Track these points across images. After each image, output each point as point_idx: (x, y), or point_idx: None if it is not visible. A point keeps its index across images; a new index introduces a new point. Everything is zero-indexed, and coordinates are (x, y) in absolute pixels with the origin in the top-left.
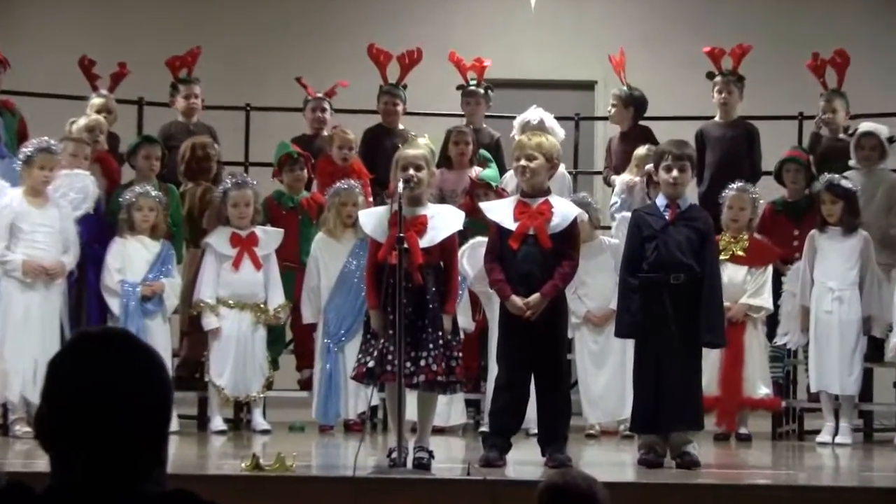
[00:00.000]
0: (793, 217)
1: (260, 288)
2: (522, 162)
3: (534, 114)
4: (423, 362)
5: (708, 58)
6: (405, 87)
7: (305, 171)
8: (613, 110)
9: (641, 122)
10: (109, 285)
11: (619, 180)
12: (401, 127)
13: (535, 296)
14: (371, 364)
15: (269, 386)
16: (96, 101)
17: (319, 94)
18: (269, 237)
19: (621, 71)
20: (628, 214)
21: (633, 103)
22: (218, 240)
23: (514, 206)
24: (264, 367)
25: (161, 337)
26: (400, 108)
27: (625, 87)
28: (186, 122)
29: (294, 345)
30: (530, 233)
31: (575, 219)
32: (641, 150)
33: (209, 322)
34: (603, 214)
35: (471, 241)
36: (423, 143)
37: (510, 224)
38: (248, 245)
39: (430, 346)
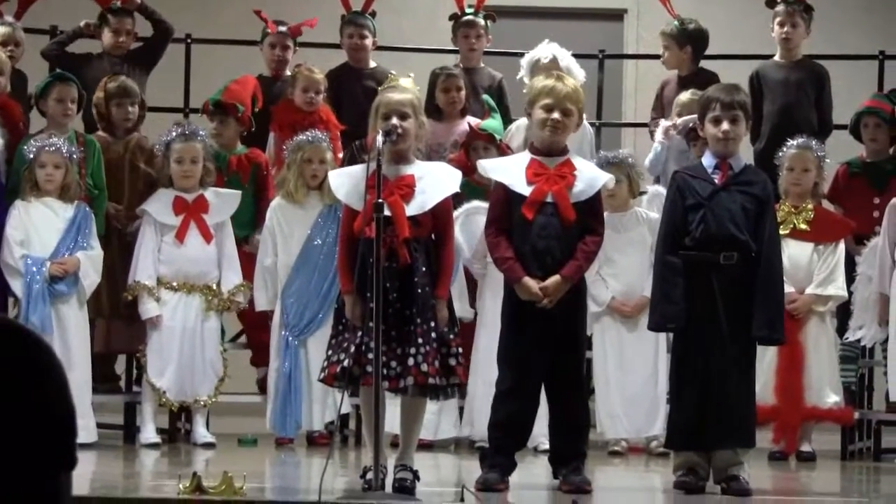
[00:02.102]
0: (873, 182)
1: (211, 265)
2: (555, 115)
3: (545, 50)
4: (411, 360)
5: None
6: (373, 15)
7: (235, 123)
8: (667, 53)
9: (703, 67)
10: (10, 263)
11: (659, 128)
12: (372, 65)
13: (555, 278)
14: (347, 363)
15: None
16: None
17: (282, 29)
18: (223, 201)
19: (666, 1)
20: (662, 190)
21: (690, 40)
22: (158, 206)
23: (527, 166)
24: (217, 364)
25: (76, 326)
26: (369, 41)
27: (675, 22)
28: (103, 61)
29: (247, 336)
30: (548, 200)
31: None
32: (684, 96)
33: (147, 309)
34: (644, 179)
35: (465, 207)
36: (405, 83)
37: (523, 188)
38: (196, 212)
39: (421, 340)
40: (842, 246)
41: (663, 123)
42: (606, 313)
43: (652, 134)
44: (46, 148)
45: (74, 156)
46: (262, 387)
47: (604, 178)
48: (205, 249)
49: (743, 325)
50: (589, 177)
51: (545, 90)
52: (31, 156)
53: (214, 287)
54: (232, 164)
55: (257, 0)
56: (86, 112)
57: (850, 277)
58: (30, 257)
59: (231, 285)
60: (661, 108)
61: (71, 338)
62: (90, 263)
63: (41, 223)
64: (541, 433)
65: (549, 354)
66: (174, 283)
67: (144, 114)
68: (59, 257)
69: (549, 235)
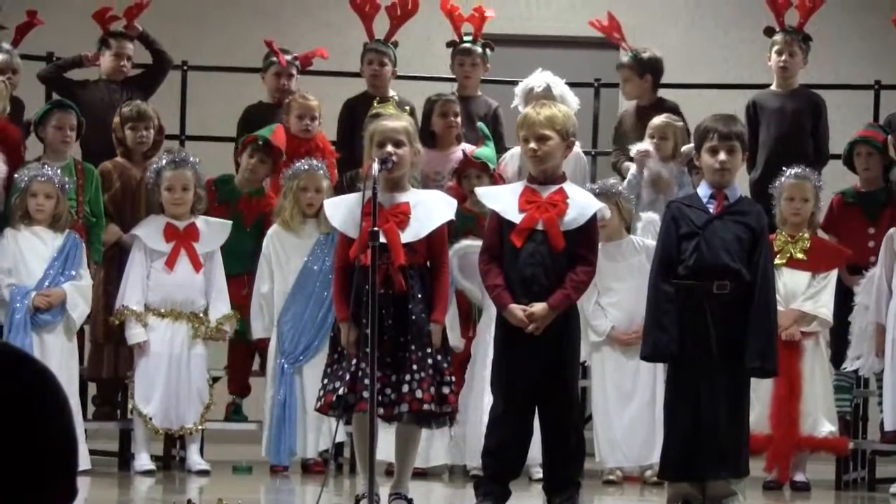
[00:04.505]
0: (867, 212)
1: (199, 293)
2: (532, 144)
3: (538, 79)
4: (406, 387)
5: (769, 8)
6: (395, 44)
7: (272, 166)
8: (627, 85)
9: (663, 97)
10: None
11: (634, 150)
12: (392, 94)
13: (541, 305)
14: (342, 391)
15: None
16: None
17: (289, 58)
18: (213, 231)
19: (614, 34)
20: (655, 216)
21: (648, 69)
22: (148, 232)
23: (521, 194)
24: (203, 392)
25: (60, 356)
26: (388, 69)
27: (630, 53)
28: (101, 87)
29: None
30: (538, 228)
31: (594, 214)
32: (658, 119)
33: (134, 334)
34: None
35: (455, 247)
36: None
37: (514, 215)
38: (186, 240)
39: (415, 367)
40: (834, 273)
41: (636, 147)
42: (606, 343)
43: (614, 166)
44: (38, 177)
45: (67, 185)
46: None
47: (596, 206)
48: (193, 277)
49: (735, 355)
50: (581, 204)
51: (521, 122)
52: (23, 184)
53: (201, 315)
54: (241, 203)
55: (254, 27)
56: (84, 139)
57: (844, 307)
58: (16, 287)
59: (219, 314)
60: (622, 139)
61: (54, 367)
62: (78, 294)
63: (29, 252)
64: (535, 461)
65: (540, 381)
66: (161, 310)
67: (162, 139)
68: (44, 286)
69: (537, 263)
